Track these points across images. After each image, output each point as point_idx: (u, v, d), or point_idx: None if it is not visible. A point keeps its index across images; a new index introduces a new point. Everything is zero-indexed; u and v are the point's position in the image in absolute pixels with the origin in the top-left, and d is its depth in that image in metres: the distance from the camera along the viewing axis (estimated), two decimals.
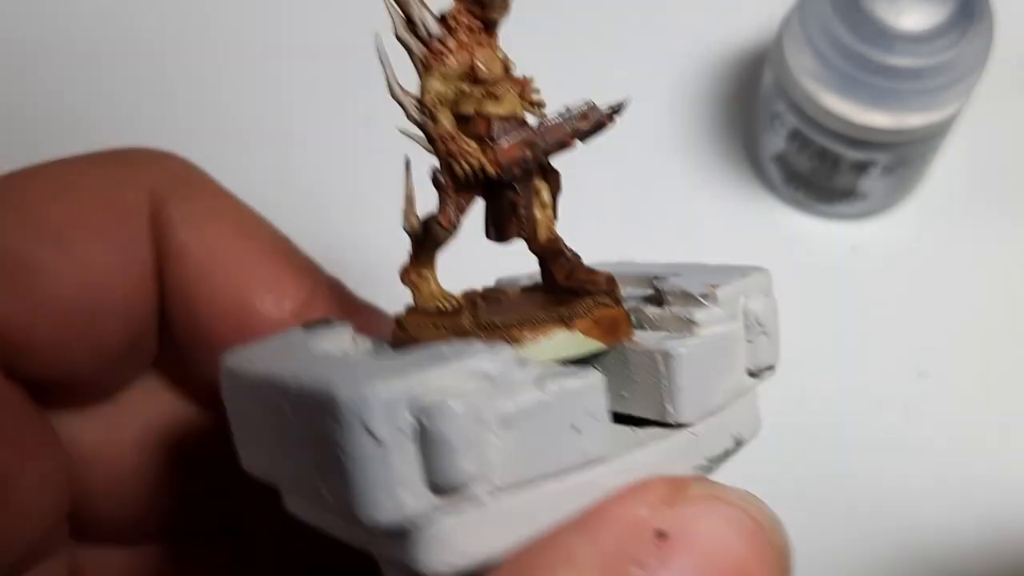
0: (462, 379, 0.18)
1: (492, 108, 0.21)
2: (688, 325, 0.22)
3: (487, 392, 0.18)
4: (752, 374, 0.22)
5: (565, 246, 0.22)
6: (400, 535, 0.19)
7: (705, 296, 0.22)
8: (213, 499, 0.28)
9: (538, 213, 0.23)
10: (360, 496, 0.18)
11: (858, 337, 0.42)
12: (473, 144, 0.21)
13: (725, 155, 0.45)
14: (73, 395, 0.26)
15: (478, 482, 0.18)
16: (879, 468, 0.40)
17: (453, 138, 0.21)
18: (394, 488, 0.18)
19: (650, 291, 0.23)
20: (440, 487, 0.18)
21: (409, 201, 0.22)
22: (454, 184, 0.22)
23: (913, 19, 0.36)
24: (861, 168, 0.40)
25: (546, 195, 0.23)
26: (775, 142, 0.41)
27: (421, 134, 0.22)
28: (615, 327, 0.22)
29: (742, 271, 0.23)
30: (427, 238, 0.22)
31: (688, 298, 0.22)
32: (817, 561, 0.38)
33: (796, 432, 0.39)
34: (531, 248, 0.23)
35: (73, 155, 0.26)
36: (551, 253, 0.22)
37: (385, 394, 0.18)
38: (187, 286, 0.26)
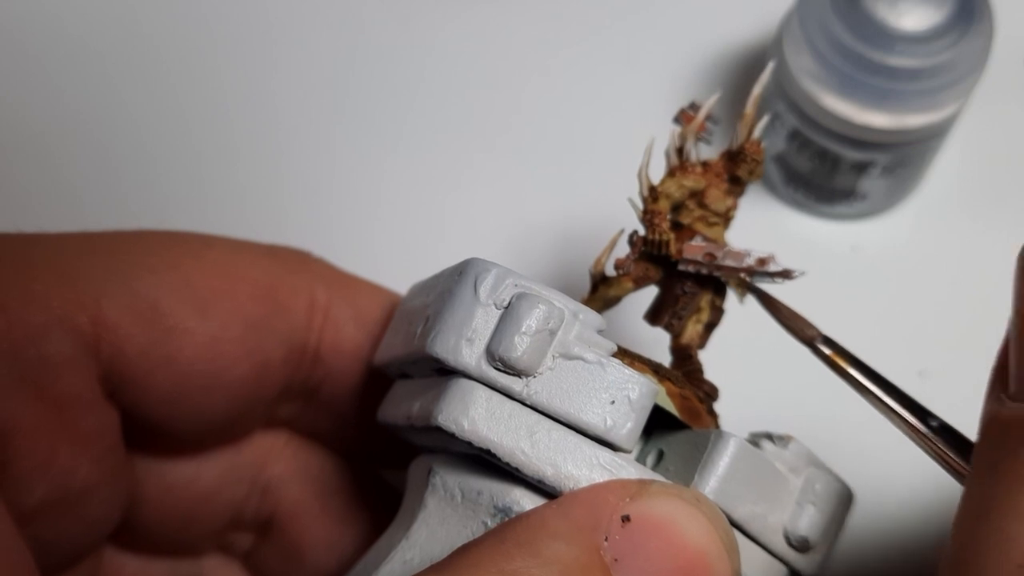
0: (561, 304, 0.22)
1: (702, 228, 0.27)
2: (753, 444, 0.24)
3: (570, 324, 0.22)
4: (787, 538, 0.24)
5: (696, 355, 0.27)
6: (444, 386, 0.22)
7: (780, 439, 0.24)
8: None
9: (690, 323, 0.27)
10: (438, 332, 0.22)
11: (857, 337, 0.42)
12: (671, 232, 0.26)
13: None
14: (167, 442, 0.28)
15: (520, 379, 0.22)
16: (879, 468, 0.40)
17: (660, 215, 0.26)
18: (462, 336, 0.22)
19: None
20: (494, 356, 0.22)
21: (605, 252, 0.27)
22: (642, 247, 0.27)
23: (913, 19, 0.36)
24: (861, 168, 0.40)
25: (705, 316, 0.27)
26: (775, 142, 0.41)
27: (640, 207, 0.27)
28: (693, 416, 0.24)
29: (836, 474, 0.25)
30: (600, 289, 0.27)
31: (766, 436, 0.25)
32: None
33: (796, 432, 0.39)
34: (671, 344, 0.27)
35: (232, 239, 0.28)
36: (682, 354, 0.27)
37: (502, 271, 0.22)
38: (351, 376, 0.29)
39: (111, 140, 0.45)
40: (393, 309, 0.28)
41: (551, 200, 0.43)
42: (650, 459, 0.25)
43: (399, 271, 0.31)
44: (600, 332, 0.22)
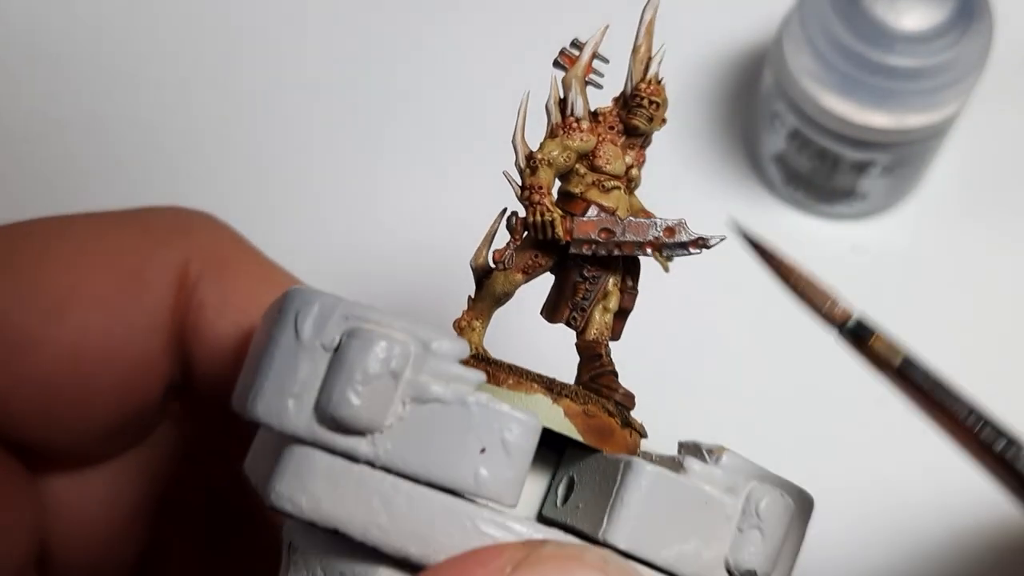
0: (403, 336, 0.18)
1: (597, 196, 0.22)
2: (676, 466, 0.20)
3: (419, 360, 0.18)
4: (730, 572, 0.20)
5: (606, 353, 0.23)
6: (278, 454, 0.18)
7: (710, 452, 0.20)
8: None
9: (597, 313, 0.23)
10: (259, 386, 0.18)
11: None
12: (557, 208, 0.22)
13: (725, 155, 0.45)
14: (58, 460, 0.25)
15: (363, 437, 0.18)
16: (878, 468, 0.40)
17: (541, 191, 0.21)
18: (288, 391, 0.18)
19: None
20: (327, 417, 0.17)
21: (486, 240, 0.23)
22: (522, 231, 0.22)
23: (913, 19, 0.36)
24: (861, 168, 0.40)
25: (613, 303, 0.23)
26: (775, 142, 0.41)
27: (519, 181, 0.22)
28: (603, 436, 0.21)
29: (784, 482, 0.21)
30: (486, 285, 0.23)
31: (695, 449, 0.20)
32: (815, 562, 0.38)
33: (796, 432, 0.39)
34: (576, 341, 0.23)
35: (98, 213, 0.24)
36: (589, 353, 0.23)
37: (328, 301, 0.18)
38: (221, 367, 0.24)
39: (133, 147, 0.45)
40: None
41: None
42: (561, 488, 0.21)
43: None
44: (463, 361, 0.18)
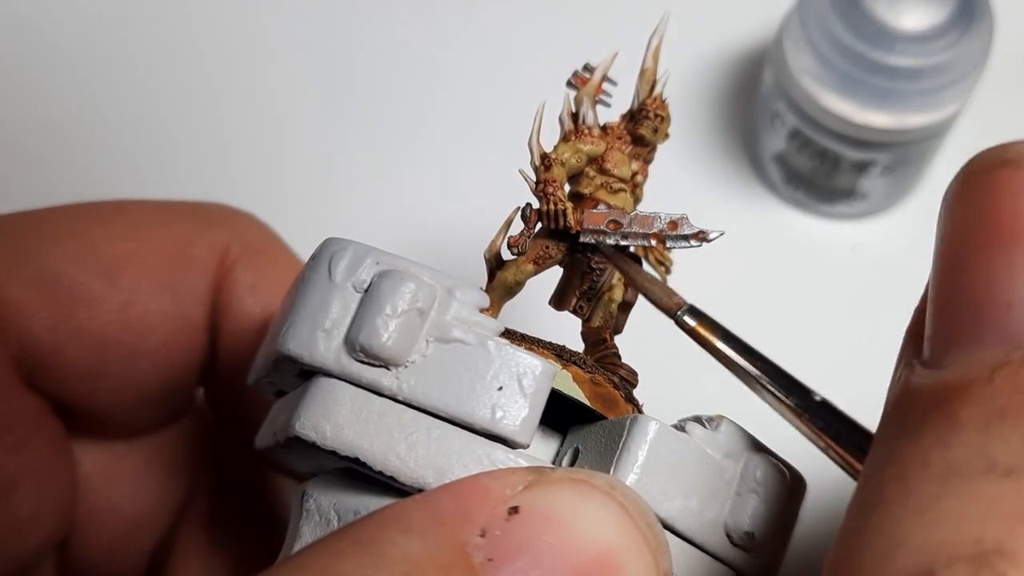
0: (432, 281, 0.19)
1: (605, 196, 0.24)
2: (678, 429, 0.20)
3: (444, 303, 0.19)
4: (729, 535, 0.20)
5: (611, 338, 0.24)
6: (303, 390, 0.19)
7: (710, 420, 0.21)
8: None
9: (602, 303, 0.24)
10: (289, 325, 0.19)
11: (858, 337, 0.42)
12: (568, 201, 0.23)
13: (725, 155, 0.45)
14: (97, 430, 0.27)
15: (388, 370, 0.18)
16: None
17: (554, 183, 0.23)
18: (317, 326, 0.19)
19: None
20: (355, 345, 0.18)
21: (500, 233, 0.24)
22: (536, 221, 0.23)
23: (913, 19, 0.36)
24: (861, 168, 0.40)
25: (618, 295, 0.24)
26: (775, 142, 0.41)
27: (533, 179, 0.23)
28: (608, 404, 0.21)
29: (780, 458, 0.21)
30: (499, 275, 0.24)
31: (695, 419, 0.21)
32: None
33: (795, 432, 0.39)
34: (582, 329, 0.24)
35: (152, 199, 0.26)
36: (594, 338, 0.24)
37: (360, 248, 0.19)
38: (243, 350, 0.26)
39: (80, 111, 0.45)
40: None
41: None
42: (566, 460, 0.21)
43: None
44: (482, 310, 0.19)
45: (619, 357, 0.24)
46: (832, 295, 0.42)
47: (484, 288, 0.23)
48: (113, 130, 0.46)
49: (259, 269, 0.26)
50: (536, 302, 0.24)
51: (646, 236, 0.22)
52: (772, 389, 0.21)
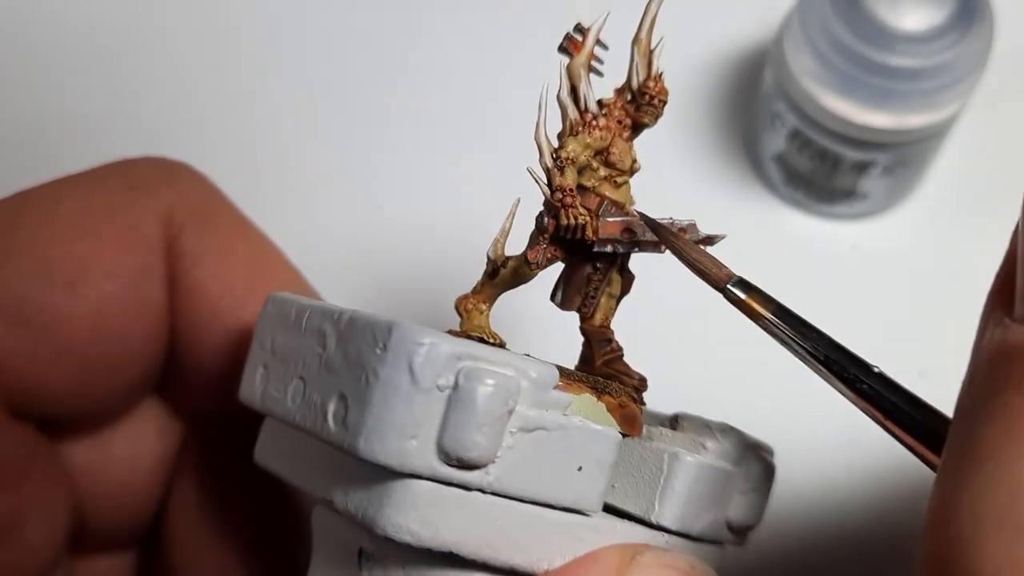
0: (513, 373, 0.19)
1: (608, 191, 0.24)
2: (699, 447, 0.23)
3: (525, 392, 0.19)
4: (730, 527, 0.23)
5: (614, 336, 0.25)
6: (383, 484, 0.19)
7: (722, 431, 0.23)
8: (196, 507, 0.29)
9: (603, 299, 0.25)
10: (372, 428, 0.18)
11: (858, 337, 0.42)
12: (586, 211, 0.23)
13: (725, 155, 0.45)
14: (83, 426, 0.26)
15: (479, 469, 0.19)
16: (879, 468, 0.40)
17: (572, 193, 0.23)
18: (407, 433, 0.18)
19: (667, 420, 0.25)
20: (448, 453, 0.18)
21: (504, 233, 0.24)
22: (554, 231, 0.23)
23: (913, 19, 0.36)
24: (861, 168, 0.40)
25: (616, 288, 0.25)
26: (775, 142, 0.41)
27: (544, 178, 0.23)
28: (632, 423, 0.23)
29: (763, 445, 0.24)
30: (501, 273, 0.24)
31: (703, 428, 0.23)
32: (818, 561, 0.38)
33: (795, 432, 0.39)
34: (582, 326, 0.25)
35: (77, 173, 0.25)
36: (599, 337, 0.25)
37: (436, 344, 0.18)
38: (198, 322, 0.26)
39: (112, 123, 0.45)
40: (259, 262, 0.25)
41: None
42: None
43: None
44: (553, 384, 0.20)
45: (623, 358, 0.25)
46: (832, 295, 0.42)
47: (481, 282, 0.24)
48: (93, 132, 0.46)
49: (202, 238, 0.25)
50: (535, 292, 0.25)
51: (658, 244, 0.23)
52: (824, 362, 0.21)
